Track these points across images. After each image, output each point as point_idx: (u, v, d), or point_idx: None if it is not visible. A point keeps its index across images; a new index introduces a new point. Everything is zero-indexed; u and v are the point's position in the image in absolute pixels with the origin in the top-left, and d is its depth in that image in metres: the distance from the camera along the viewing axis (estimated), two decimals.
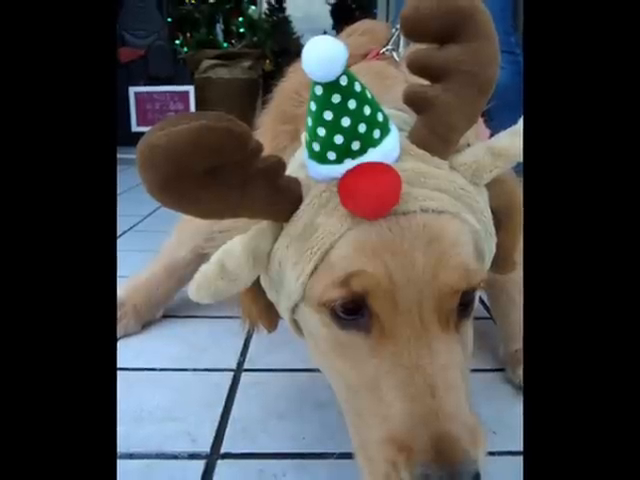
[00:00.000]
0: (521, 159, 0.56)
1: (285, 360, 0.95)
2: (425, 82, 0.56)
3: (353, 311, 0.53)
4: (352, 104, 0.52)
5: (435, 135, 0.56)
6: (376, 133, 0.54)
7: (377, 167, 0.53)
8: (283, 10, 8.52)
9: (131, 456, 0.72)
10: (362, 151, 0.54)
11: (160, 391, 0.87)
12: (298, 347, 0.83)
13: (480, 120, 0.78)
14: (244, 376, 0.92)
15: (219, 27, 4.95)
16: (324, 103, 0.52)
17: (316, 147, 0.55)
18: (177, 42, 4.82)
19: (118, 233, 1.75)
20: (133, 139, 0.65)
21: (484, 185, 0.59)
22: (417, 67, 0.56)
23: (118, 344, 1.01)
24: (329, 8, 8.91)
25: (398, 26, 0.82)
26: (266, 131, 0.89)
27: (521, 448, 0.46)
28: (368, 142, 0.54)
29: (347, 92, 0.51)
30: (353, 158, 0.54)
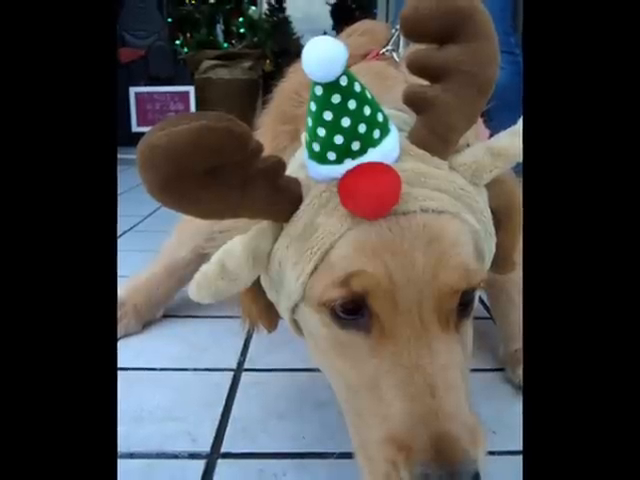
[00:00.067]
0: (520, 159, 0.56)
1: (285, 360, 0.95)
2: (425, 82, 0.56)
3: (353, 311, 0.53)
4: (352, 104, 0.52)
5: (435, 135, 0.56)
6: (376, 133, 0.54)
7: (377, 167, 0.53)
8: (283, 10, 8.52)
9: (132, 456, 0.72)
10: (362, 151, 0.54)
11: (160, 391, 0.87)
12: (298, 347, 0.83)
13: (480, 120, 0.78)
14: (244, 376, 0.92)
15: (219, 27, 4.95)
16: (324, 103, 0.52)
17: (316, 147, 0.55)
18: (177, 42, 4.83)
19: (118, 233, 1.75)
20: (133, 139, 0.65)
21: (484, 185, 0.59)
22: (417, 67, 0.56)
23: (118, 344, 1.01)
24: (329, 8, 8.90)
25: (398, 26, 0.82)
26: (266, 131, 0.90)
27: (521, 448, 0.46)
28: (368, 142, 0.54)
29: (347, 92, 0.52)
30: (353, 158, 0.54)
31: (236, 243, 0.57)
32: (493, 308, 0.99)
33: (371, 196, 0.51)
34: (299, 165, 0.59)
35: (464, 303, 0.55)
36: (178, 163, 0.47)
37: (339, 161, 0.54)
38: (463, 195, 0.56)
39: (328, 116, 0.52)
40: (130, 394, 0.84)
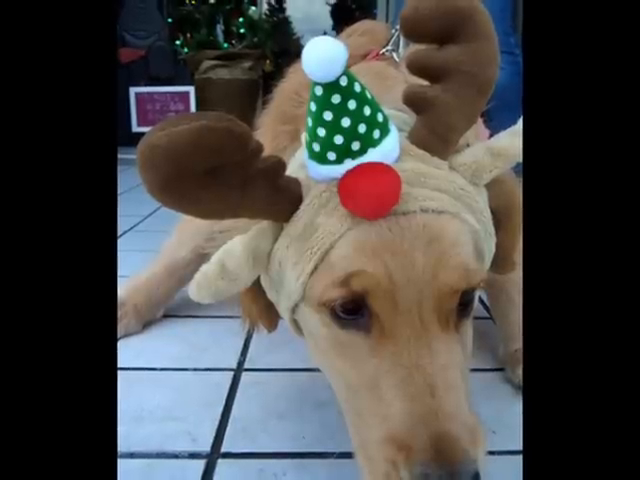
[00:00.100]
0: (520, 159, 0.56)
1: (285, 360, 0.95)
2: (425, 82, 0.56)
3: (353, 311, 0.53)
4: (352, 104, 0.52)
5: (435, 135, 0.56)
6: (376, 133, 0.54)
7: (377, 167, 0.53)
8: (283, 11, 8.52)
9: (132, 455, 0.72)
10: (362, 151, 0.54)
11: (160, 391, 0.87)
12: (298, 347, 0.84)
13: (480, 120, 0.79)
14: (244, 376, 0.92)
15: (219, 28, 4.95)
16: (324, 103, 0.52)
17: (316, 147, 0.55)
18: (177, 43, 4.83)
19: (119, 233, 1.75)
20: (133, 139, 0.65)
21: (484, 185, 0.59)
22: (417, 67, 0.56)
23: (119, 344, 1.01)
24: (329, 9, 8.90)
25: (398, 27, 0.82)
26: (266, 131, 0.90)
27: (521, 447, 0.46)
28: (368, 142, 0.54)
29: (347, 92, 0.52)
30: (353, 158, 0.54)
31: (236, 243, 0.57)
32: (493, 308, 0.99)
33: (371, 196, 0.51)
34: (299, 165, 0.59)
35: (464, 303, 0.55)
36: (178, 163, 0.48)
37: (339, 161, 0.54)
38: (463, 195, 0.56)
39: (328, 116, 0.52)
40: (130, 394, 0.84)
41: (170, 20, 4.80)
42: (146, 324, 1.09)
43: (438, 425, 0.48)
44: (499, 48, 0.55)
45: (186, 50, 4.78)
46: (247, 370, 0.94)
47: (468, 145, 0.59)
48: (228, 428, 0.78)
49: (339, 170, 0.54)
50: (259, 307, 0.67)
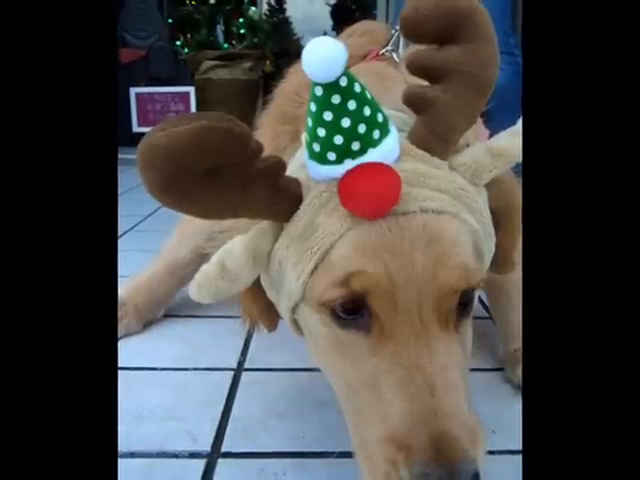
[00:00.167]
0: (520, 159, 0.56)
1: (285, 360, 0.95)
2: (425, 83, 0.56)
3: (353, 311, 0.53)
4: (352, 105, 0.52)
5: (435, 135, 0.56)
6: (376, 134, 0.54)
7: (377, 167, 0.53)
8: (283, 11, 8.53)
9: (132, 455, 0.72)
10: (362, 151, 0.54)
11: (161, 390, 0.87)
12: (298, 347, 0.84)
13: (479, 120, 0.79)
14: (244, 375, 0.92)
15: (219, 28, 4.95)
16: (324, 104, 0.52)
17: (316, 147, 0.55)
18: (178, 43, 4.84)
19: (119, 233, 1.75)
20: (134, 140, 0.66)
21: (483, 185, 0.59)
22: (416, 68, 0.56)
23: (119, 343, 1.01)
24: (329, 9, 8.91)
25: (398, 27, 0.82)
26: (266, 132, 0.90)
27: (520, 447, 0.46)
28: (368, 142, 0.54)
29: (347, 93, 0.52)
30: (353, 158, 0.54)
31: (236, 243, 0.57)
32: (492, 308, 1.00)
33: (371, 196, 0.51)
34: (299, 165, 0.60)
35: (463, 303, 0.55)
36: (178, 163, 0.48)
37: (339, 161, 0.54)
38: (463, 195, 0.56)
39: (328, 116, 0.52)
40: (131, 393, 0.84)
41: (170, 20, 4.80)
42: (146, 324, 1.09)
43: (438, 425, 0.48)
44: (499, 48, 0.55)
45: (186, 50, 4.78)
46: (247, 370, 0.94)
47: (468, 145, 0.60)
48: (228, 428, 0.78)
49: (339, 170, 0.54)
50: (259, 307, 0.67)
